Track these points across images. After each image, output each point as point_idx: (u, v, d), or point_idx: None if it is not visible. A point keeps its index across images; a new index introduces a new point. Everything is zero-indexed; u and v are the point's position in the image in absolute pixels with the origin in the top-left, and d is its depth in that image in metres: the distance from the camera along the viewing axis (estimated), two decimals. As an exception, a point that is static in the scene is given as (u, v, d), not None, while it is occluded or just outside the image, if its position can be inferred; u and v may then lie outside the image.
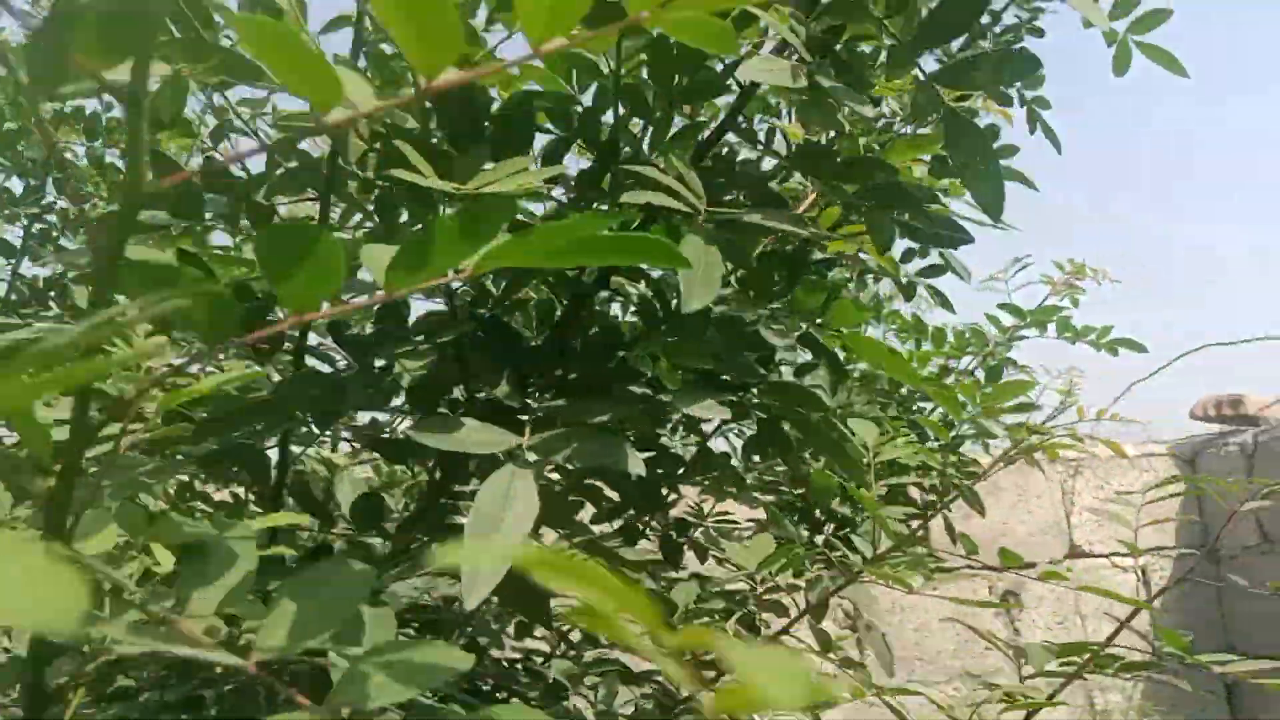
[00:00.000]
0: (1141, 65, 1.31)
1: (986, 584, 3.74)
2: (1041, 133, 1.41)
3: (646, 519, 1.58)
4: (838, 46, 0.76)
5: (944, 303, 1.54)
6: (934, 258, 1.75)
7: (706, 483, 1.72)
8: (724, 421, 1.50)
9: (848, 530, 1.94)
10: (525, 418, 0.69)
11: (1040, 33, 1.56)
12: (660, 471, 1.56)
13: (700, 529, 1.95)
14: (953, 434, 2.12)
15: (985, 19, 1.52)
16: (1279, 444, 3.54)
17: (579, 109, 0.71)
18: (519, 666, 1.26)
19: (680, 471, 1.59)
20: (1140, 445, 4.00)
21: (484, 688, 1.17)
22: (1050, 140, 1.54)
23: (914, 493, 1.92)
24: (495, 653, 1.21)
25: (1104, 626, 3.72)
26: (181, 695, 0.65)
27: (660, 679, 1.33)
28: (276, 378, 0.84)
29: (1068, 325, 2.16)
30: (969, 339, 2.21)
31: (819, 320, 0.92)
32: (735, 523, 1.92)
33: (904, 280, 1.58)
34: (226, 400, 0.76)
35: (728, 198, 0.70)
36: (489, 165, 0.65)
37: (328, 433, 1.13)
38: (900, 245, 1.67)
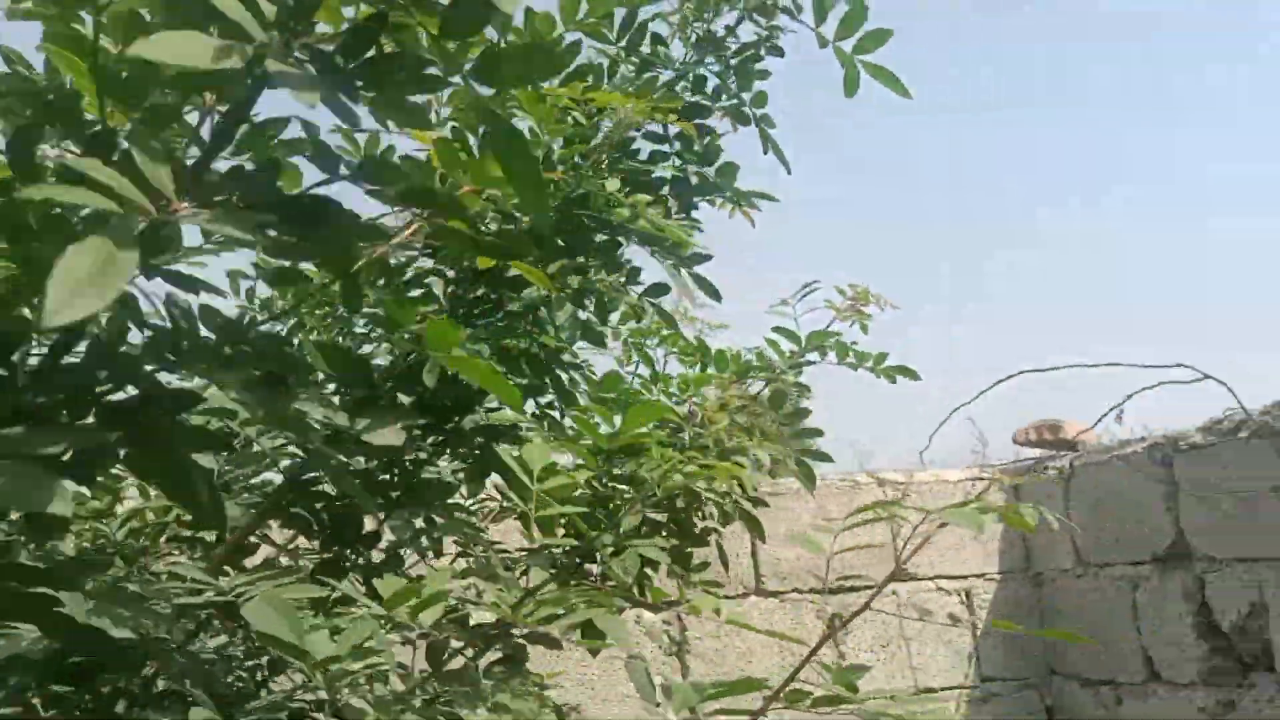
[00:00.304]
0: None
1: (815, 608, 3.74)
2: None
3: (355, 549, 1.49)
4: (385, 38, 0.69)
5: (668, 320, 1.49)
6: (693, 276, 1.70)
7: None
8: (418, 448, 1.42)
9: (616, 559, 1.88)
10: None
11: (780, 52, 1.53)
12: (381, 501, 1.47)
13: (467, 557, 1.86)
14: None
15: (719, 31, 1.49)
16: (1093, 469, 3.62)
17: (51, 95, 0.62)
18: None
19: (398, 499, 1.50)
20: (965, 470, 4.06)
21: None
22: (779, 158, 1.52)
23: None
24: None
25: (926, 649, 3.75)
26: None
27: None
28: None
29: (845, 350, 2.15)
30: (754, 363, 2.18)
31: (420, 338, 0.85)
32: (508, 551, 1.84)
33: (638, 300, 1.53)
34: None
35: (219, 198, 0.62)
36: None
37: None
38: (647, 267, 1.62)
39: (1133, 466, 3.38)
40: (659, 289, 1.45)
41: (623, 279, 1.39)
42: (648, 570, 1.92)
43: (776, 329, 2.05)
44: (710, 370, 2.16)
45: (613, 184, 1.20)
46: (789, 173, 1.52)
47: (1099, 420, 3.68)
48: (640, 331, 2.05)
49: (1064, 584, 3.78)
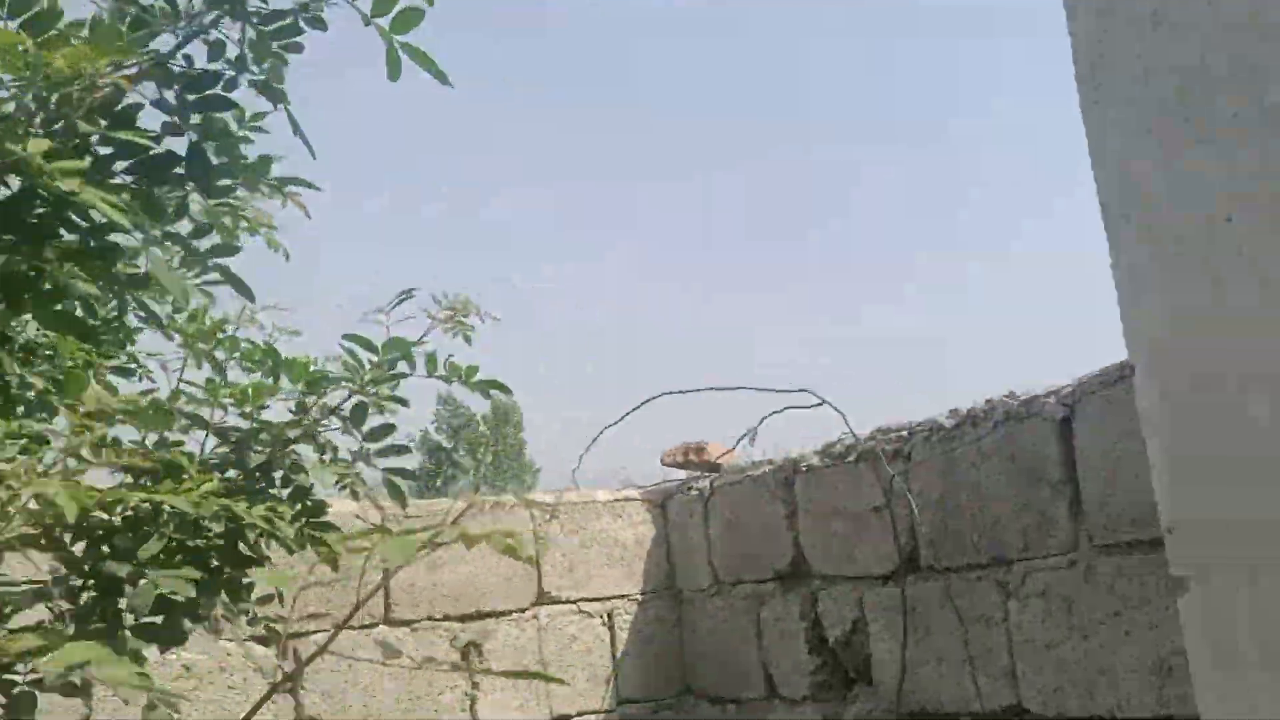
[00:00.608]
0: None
1: (449, 635, 3.57)
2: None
3: None
4: None
5: (153, 319, 1.29)
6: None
7: None
8: None
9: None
10: None
11: (323, 25, 1.37)
12: None
13: None
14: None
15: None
16: (729, 489, 3.71)
17: None
18: None
19: None
20: (615, 491, 4.05)
21: None
22: (304, 142, 1.36)
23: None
24: None
25: (566, 674, 3.68)
26: None
27: None
28: None
29: (434, 362, 2.01)
30: (332, 373, 2.00)
31: None
32: (13, 584, 1.63)
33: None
34: None
35: None
36: None
37: None
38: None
39: (760, 487, 3.48)
40: (139, 280, 1.25)
41: (98, 264, 1.17)
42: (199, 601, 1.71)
43: (349, 337, 1.88)
44: (283, 380, 1.97)
45: (36, 145, 0.98)
46: (314, 157, 1.36)
47: (737, 443, 3.77)
48: (191, 333, 1.81)
49: (701, 603, 3.84)
